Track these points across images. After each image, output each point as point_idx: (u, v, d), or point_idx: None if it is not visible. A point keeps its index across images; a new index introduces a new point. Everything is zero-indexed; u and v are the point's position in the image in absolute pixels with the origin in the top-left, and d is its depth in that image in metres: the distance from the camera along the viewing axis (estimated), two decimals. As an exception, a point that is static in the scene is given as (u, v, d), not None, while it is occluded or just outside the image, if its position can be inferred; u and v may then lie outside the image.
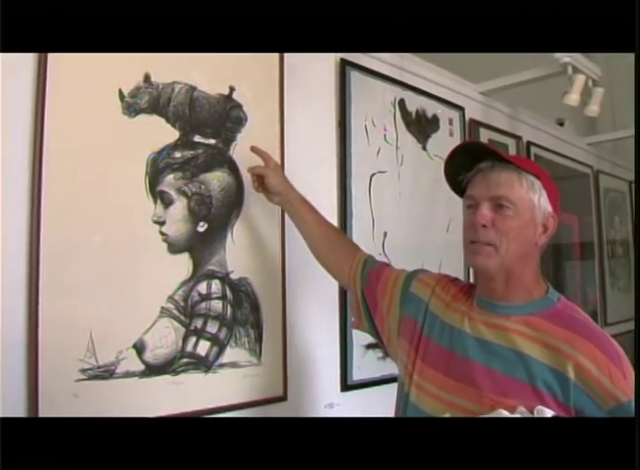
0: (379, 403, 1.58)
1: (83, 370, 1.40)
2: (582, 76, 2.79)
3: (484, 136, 2.94)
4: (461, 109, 2.78)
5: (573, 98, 2.77)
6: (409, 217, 2.39)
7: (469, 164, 1.36)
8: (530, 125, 3.45)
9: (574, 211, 3.87)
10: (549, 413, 1.12)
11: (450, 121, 2.69)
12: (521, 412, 1.13)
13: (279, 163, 1.84)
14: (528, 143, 3.38)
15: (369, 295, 1.59)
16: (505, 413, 1.13)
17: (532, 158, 3.36)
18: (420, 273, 1.58)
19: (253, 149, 1.73)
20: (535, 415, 1.11)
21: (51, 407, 1.35)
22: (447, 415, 1.25)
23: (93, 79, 1.47)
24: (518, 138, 3.26)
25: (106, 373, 1.44)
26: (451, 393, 1.31)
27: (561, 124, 4.00)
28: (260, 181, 1.72)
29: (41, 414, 1.33)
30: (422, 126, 2.51)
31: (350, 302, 1.68)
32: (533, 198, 1.30)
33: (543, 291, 1.34)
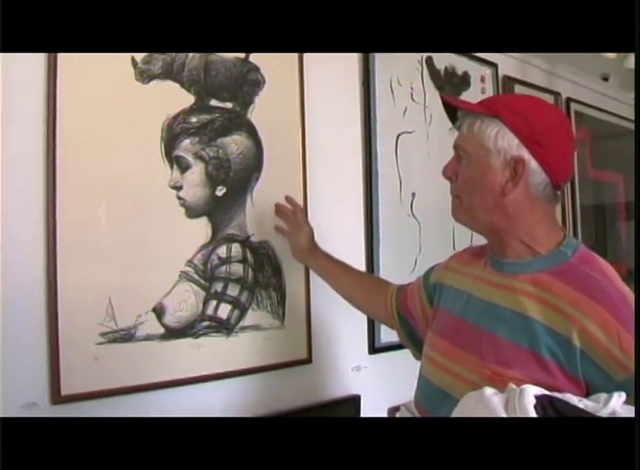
0: (407, 367, 1.56)
1: (103, 334, 1.43)
2: (621, 28, 2.68)
3: (520, 93, 2.85)
4: (494, 65, 2.70)
5: (611, 51, 2.68)
6: (439, 179, 2.33)
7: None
8: (570, 81, 3.33)
9: (620, 169, 3.75)
10: (530, 394, 0.98)
11: (482, 79, 2.62)
12: (509, 390, 1.01)
13: (300, 157, 1.88)
14: (568, 99, 3.27)
15: (408, 316, 1.56)
16: (488, 392, 1.02)
17: (572, 115, 3.26)
18: (436, 265, 1.54)
19: (287, 199, 1.77)
20: (516, 397, 0.97)
21: (72, 370, 1.38)
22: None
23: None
24: (556, 94, 3.16)
25: (126, 336, 1.47)
26: (458, 363, 1.24)
27: (605, 80, 3.87)
28: (289, 233, 1.76)
29: (62, 378, 1.37)
30: (452, 84, 2.45)
31: (400, 338, 1.63)
32: (486, 142, 1.17)
33: (555, 243, 1.19)
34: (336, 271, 1.71)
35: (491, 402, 0.99)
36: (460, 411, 1.05)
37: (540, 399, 0.97)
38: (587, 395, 1.06)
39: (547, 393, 0.99)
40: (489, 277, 1.27)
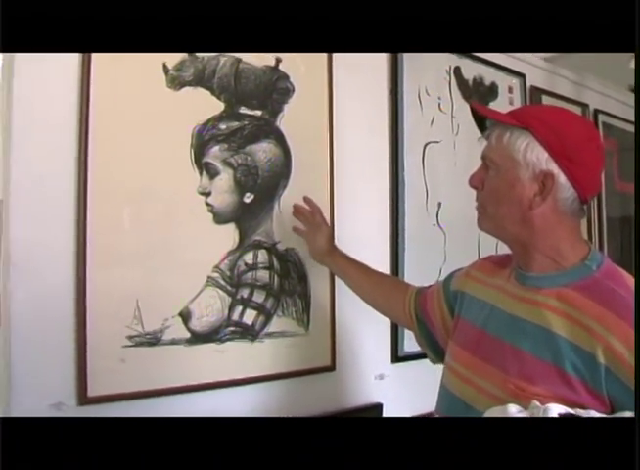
0: (429, 376, 1.56)
1: (130, 337, 1.45)
2: (651, 39, 2.66)
3: (547, 104, 2.84)
4: (522, 76, 2.70)
5: None
6: (466, 189, 2.33)
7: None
8: (598, 92, 3.32)
9: (647, 181, 3.72)
10: (555, 413, 0.95)
11: (510, 89, 2.62)
12: (533, 407, 0.98)
13: (328, 168, 1.89)
14: (596, 111, 3.26)
15: (426, 319, 1.54)
16: (512, 410, 0.99)
17: (600, 126, 3.24)
18: (456, 271, 1.53)
19: (306, 200, 1.75)
20: (541, 415, 0.95)
21: (99, 372, 1.40)
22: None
23: (137, 54, 1.47)
24: (584, 105, 3.15)
25: (152, 340, 1.48)
26: (480, 375, 1.22)
27: (633, 91, 3.84)
28: (307, 234, 1.75)
29: (89, 379, 1.39)
30: (479, 94, 2.45)
31: (417, 341, 1.63)
32: (515, 155, 1.16)
33: (580, 257, 1.17)
34: (354, 272, 1.71)
35: None
36: None
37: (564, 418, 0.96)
38: (611, 412, 1.05)
39: (571, 411, 0.98)
40: (512, 290, 1.25)
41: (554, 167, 1.15)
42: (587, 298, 1.11)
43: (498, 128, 1.21)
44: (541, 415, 0.95)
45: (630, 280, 1.14)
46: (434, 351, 1.54)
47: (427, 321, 1.54)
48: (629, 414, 0.98)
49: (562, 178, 1.15)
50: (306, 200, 1.75)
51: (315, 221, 1.73)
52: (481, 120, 1.30)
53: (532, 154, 1.15)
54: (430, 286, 1.60)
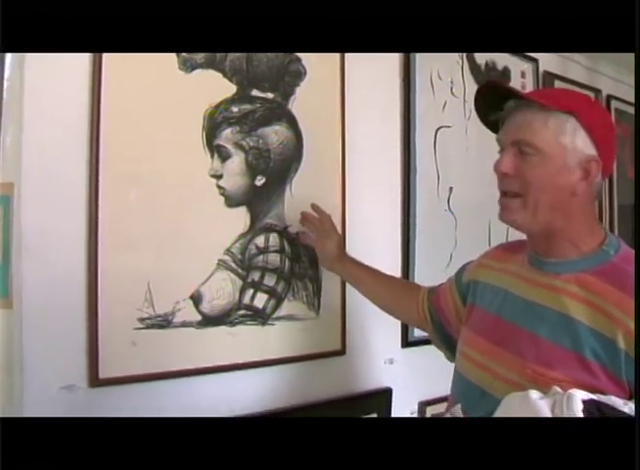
0: (439, 361, 1.57)
1: (141, 319, 1.45)
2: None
3: (557, 87, 2.82)
4: (534, 61, 2.68)
5: (655, 47, 2.62)
6: (477, 173, 2.33)
7: (497, 103, 1.22)
8: (612, 78, 3.29)
9: (660, 168, 3.70)
10: (578, 399, 0.95)
11: (523, 74, 2.60)
12: (554, 393, 0.99)
13: (339, 151, 1.87)
14: (609, 96, 3.24)
15: (441, 317, 1.54)
16: (534, 396, 0.99)
17: (613, 112, 3.22)
18: (467, 264, 1.52)
19: (314, 207, 1.71)
20: (564, 401, 0.95)
21: (110, 354, 1.40)
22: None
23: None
24: (597, 91, 3.12)
25: (163, 322, 1.48)
26: (496, 361, 1.22)
27: (646, 77, 3.81)
28: (317, 242, 1.72)
29: (101, 361, 1.39)
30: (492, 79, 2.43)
31: (432, 340, 1.62)
32: (564, 140, 1.13)
33: (597, 242, 1.18)
34: (365, 278, 1.69)
35: (538, 406, 0.97)
36: (503, 412, 1.04)
37: (587, 404, 0.95)
38: (630, 397, 1.04)
39: (594, 397, 0.97)
40: (528, 275, 1.25)
41: (595, 152, 1.15)
42: (606, 283, 1.11)
43: (539, 113, 1.15)
44: (564, 401, 0.95)
45: None
46: (449, 348, 1.53)
47: (442, 319, 1.54)
48: (579, 399, 0.96)
49: (600, 163, 1.16)
50: (314, 207, 1.71)
51: (325, 228, 1.69)
52: (490, 105, 1.25)
53: (579, 139, 1.14)
54: (441, 284, 1.59)
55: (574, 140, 1.14)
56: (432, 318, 1.56)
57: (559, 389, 0.99)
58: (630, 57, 3.04)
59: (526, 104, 1.17)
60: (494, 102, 1.23)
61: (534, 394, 0.99)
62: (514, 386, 1.10)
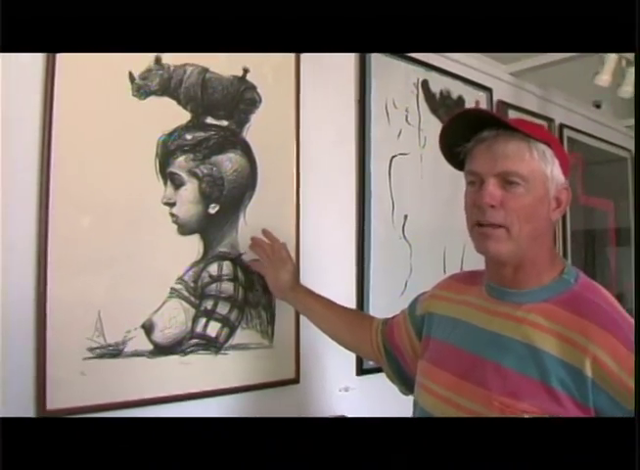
0: (394, 389, 1.57)
1: (91, 349, 1.43)
2: (614, 56, 2.70)
3: (520, 118, 2.87)
4: (488, 90, 2.73)
5: (604, 79, 2.69)
6: (432, 201, 2.35)
7: (468, 133, 1.19)
8: (564, 107, 3.36)
9: (610, 196, 3.78)
10: None
11: (477, 103, 2.64)
12: None
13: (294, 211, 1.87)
14: (561, 125, 3.31)
15: (394, 349, 1.52)
16: None
17: (565, 141, 3.29)
18: (419, 296, 1.51)
19: (265, 233, 1.70)
20: None
21: (58, 385, 1.37)
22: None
23: (102, 62, 1.46)
24: (550, 120, 3.19)
25: (114, 352, 1.46)
26: (460, 394, 1.19)
27: (598, 106, 3.89)
28: (268, 269, 1.69)
29: (49, 390, 1.36)
30: (446, 107, 2.46)
31: (386, 373, 1.59)
32: (546, 169, 1.14)
33: (558, 271, 1.19)
34: (319, 308, 1.66)
35: None
36: None
37: None
38: None
39: None
40: (489, 306, 1.24)
41: (565, 182, 1.19)
42: (569, 312, 1.11)
43: (523, 142, 1.14)
44: None
45: (606, 292, 1.16)
46: (403, 382, 1.52)
47: (396, 352, 1.52)
48: None
49: (570, 192, 1.20)
50: (265, 233, 1.69)
51: (280, 257, 1.67)
52: (456, 136, 1.22)
53: (555, 168, 1.16)
54: (394, 317, 1.57)
55: (553, 169, 1.16)
56: (386, 352, 1.54)
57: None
58: (582, 86, 3.13)
59: (508, 133, 1.15)
60: (461, 132, 1.21)
61: None
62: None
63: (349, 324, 1.65)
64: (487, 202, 1.14)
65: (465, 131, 1.20)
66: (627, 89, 2.96)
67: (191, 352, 1.60)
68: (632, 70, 2.91)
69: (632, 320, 1.09)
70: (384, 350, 1.54)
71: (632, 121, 4.06)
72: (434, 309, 1.39)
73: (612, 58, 2.69)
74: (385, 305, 1.98)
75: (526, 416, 1.02)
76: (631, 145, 4.07)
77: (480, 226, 1.17)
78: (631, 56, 2.85)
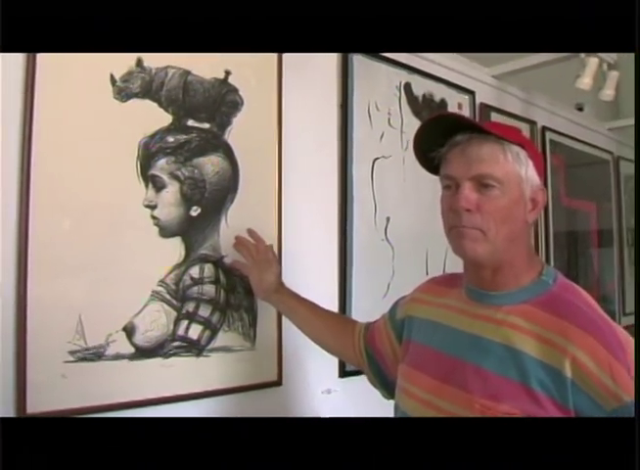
0: (377, 391, 1.57)
1: (72, 352, 1.42)
2: (595, 60, 2.72)
3: (496, 121, 2.89)
4: (471, 93, 2.74)
5: (585, 82, 2.70)
6: (414, 204, 2.36)
7: (442, 138, 1.20)
8: (546, 110, 3.39)
9: (593, 198, 3.81)
10: None
11: (459, 106, 2.66)
12: None
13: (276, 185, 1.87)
14: (544, 128, 3.33)
15: (376, 354, 1.52)
16: None
17: (548, 143, 3.31)
18: (399, 300, 1.52)
19: (250, 233, 1.69)
20: None
21: (39, 388, 1.36)
22: None
23: (83, 64, 1.46)
24: (532, 123, 3.21)
25: (95, 355, 1.45)
26: (441, 397, 1.19)
27: (580, 109, 3.92)
28: (252, 270, 1.68)
29: (29, 394, 1.35)
30: (429, 110, 2.47)
31: (368, 378, 1.58)
32: (520, 171, 1.15)
33: (536, 273, 1.20)
34: (302, 311, 1.66)
35: None
36: None
37: None
38: None
39: None
40: (468, 308, 1.25)
41: (540, 183, 1.20)
42: (548, 313, 1.12)
43: (496, 144, 1.15)
44: None
45: (585, 293, 1.17)
46: (385, 386, 1.52)
47: (376, 355, 1.52)
48: None
49: (545, 193, 1.21)
50: (250, 232, 1.69)
51: (266, 258, 1.66)
52: (430, 140, 1.22)
53: (530, 169, 1.17)
54: (375, 321, 1.58)
55: (527, 170, 1.16)
56: (367, 356, 1.54)
57: None
58: (564, 89, 3.14)
59: (482, 136, 1.16)
60: (434, 137, 1.22)
61: None
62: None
63: (333, 328, 1.65)
64: (463, 206, 1.14)
65: (438, 136, 1.21)
66: (608, 92, 2.98)
67: (173, 354, 1.60)
68: (613, 73, 2.94)
69: (611, 321, 1.10)
70: (365, 354, 1.54)
71: (614, 124, 4.10)
72: (414, 313, 1.40)
73: (593, 61, 2.71)
74: (367, 307, 1.99)
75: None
76: (613, 147, 4.10)
77: (454, 228, 1.18)
78: (612, 59, 2.88)
